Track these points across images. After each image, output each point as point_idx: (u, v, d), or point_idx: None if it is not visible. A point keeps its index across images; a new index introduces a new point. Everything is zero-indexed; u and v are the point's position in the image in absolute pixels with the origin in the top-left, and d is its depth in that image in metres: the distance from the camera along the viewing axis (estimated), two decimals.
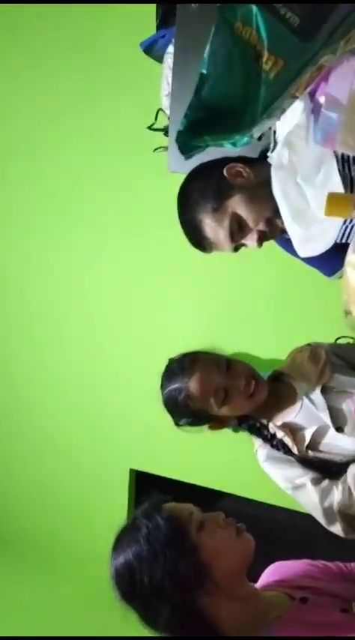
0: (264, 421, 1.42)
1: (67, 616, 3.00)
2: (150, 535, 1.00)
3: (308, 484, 1.34)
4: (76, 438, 3.14)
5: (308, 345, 1.53)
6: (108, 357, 2.96)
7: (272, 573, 1.18)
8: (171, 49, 1.78)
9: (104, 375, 3.00)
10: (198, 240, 1.38)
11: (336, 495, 1.30)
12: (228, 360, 1.41)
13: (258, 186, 1.28)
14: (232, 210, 1.31)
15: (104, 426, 3.03)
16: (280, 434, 1.38)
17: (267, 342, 2.54)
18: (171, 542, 0.98)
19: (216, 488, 2.59)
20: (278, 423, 1.40)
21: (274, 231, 1.33)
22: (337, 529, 1.32)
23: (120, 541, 1.05)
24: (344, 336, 1.54)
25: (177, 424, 1.45)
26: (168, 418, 1.54)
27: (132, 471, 2.98)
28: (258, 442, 1.45)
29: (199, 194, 1.33)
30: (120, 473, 2.99)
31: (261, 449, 1.43)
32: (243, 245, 1.38)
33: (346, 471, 1.32)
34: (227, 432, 1.62)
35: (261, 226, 1.32)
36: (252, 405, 1.37)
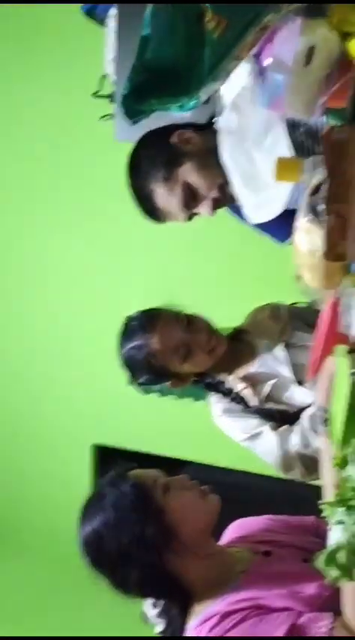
0: (222, 377, 1.44)
1: (35, 596, 3.00)
2: (115, 502, 1.02)
3: (265, 431, 1.36)
4: (34, 415, 3.11)
5: (268, 304, 1.55)
6: (64, 332, 2.93)
7: (234, 530, 1.21)
8: (113, 11, 1.72)
9: (58, 350, 2.96)
10: (151, 210, 1.35)
11: (293, 438, 1.33)
12: (188, 316, 1.41)
13: (208, 152, 1.26)
14: (184, 178, 1.28)
15: (62, 402, 3.01)
16: (240, 386, 1.39)
17: (222, 311, 2.57)
18: (136, 507, 1.01)
19: (179, 456, 2.62)
20: (239, 376, 1.42)
21: (227, 198, 1.31)
22: (295, 474, 1.35)
23: (87, 510, 1.06)
24: (297, 302, 1.56)
25: (135, 383, 1.44)
26: (126, 389, 1.54)
27: (93, 446, 2.98)
28: (214, 398, 1.46)
29: (149, 163, 1.30)
30: (82, 449, 2.98)
31: (216, 404, 1.44)
32: (197, 214, 1.36)
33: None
34: (187, 401, 1.63)
35: (214, 193, 1.30)
36: (211, 360, 1.38)
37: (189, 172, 1.28)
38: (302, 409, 1.35)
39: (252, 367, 1.41)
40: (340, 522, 0.81)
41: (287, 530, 1.18)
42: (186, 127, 1.30)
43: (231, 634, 0.93)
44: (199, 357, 1.36)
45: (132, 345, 1.39)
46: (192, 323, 1.39)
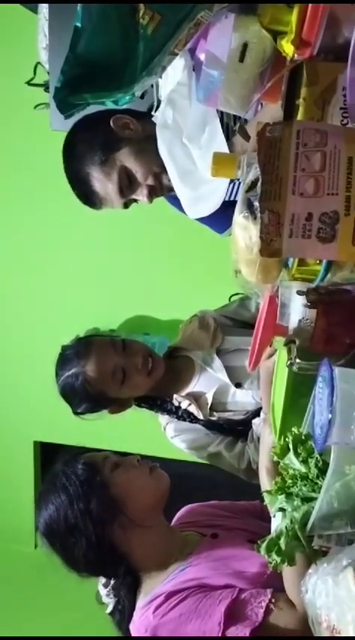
0: (166, 397, 1.46)
1: None
2: (66, 481, 1.06)
3: (222, 452, 1.41)
4: None
5: (195, 315, 1.58)
6: (5, 325, 2.85)
7: (183, 516, 1.25)
8: None
9: (1, 344, 2.88)
10: (87, 194, 1.33)
11: (251, 454, 1.37)
12: (124, 340, 1.42)
13: (146, 140, 1.25)
14: (121, 163, 1.27)
15: (3, 397, 2.93)
16: (185, 403, 1.42)
17: (166, 303, 2.57)
18: (83, 481, 1.05)
19: (124, 450, 2.62)
20: (182, 394, 1.44)
21: (164, 187, 1.31)
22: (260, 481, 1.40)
23: (42, 493, 1.11)
24: (237, 294, 1.59)
25: (76, 413, 1.45)
26: None
27: (36, 443, 2.93)
28: (163, 419, 1.48)
29: (86, 146, 1.27)
30: (24, 446, 2.92)
31: (169, 425, 1.46)
32: (134, 201, 1.35)
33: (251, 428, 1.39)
34: None
35: (150, 181, 1.29)
36: (150, 383, 1.40)
37: (126, 157, 1.27)
38: (246, 419, 1.39)
39: (192, 383, 1.44)
40: (281, 509, 0.84)
41: (233, 514, 1.23)
42: (124, 113, 1.29)
43: (175, 611, 0.97)
44: (137, 380, 1.38)
45: (68, 373, 1.39)
46: (127, 347, 1.40)
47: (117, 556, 1.06)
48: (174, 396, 1.45)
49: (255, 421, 1.34)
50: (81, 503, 1.04)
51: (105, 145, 1.26)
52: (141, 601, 1.05)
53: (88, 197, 1.33)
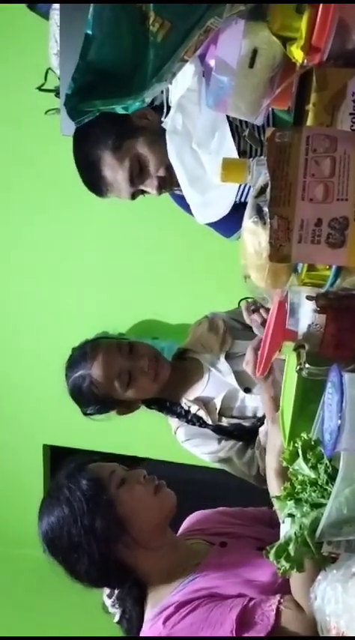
0: (176, 400, 1.46)
1: None
2: (70, 495, 1.04)
3: (233, 458, 1.41)
4: None
5: (206, 317, 1.57)
6: (15, 329, 2.87)
7: (190, 523, 1.24)
8: (57, 4, 1.69)
9: (9, 349, 2.90)
10: (94, 179, 1.30)
11: (259, 461, 1.37)
12: (130, 343, 1.43)
13: (161, 132, 1.23)
14: (134, 150, 1.25)
15: (12, 401, 2.95)
16: (194, 408, 1.42)
17: (175, 307, 2.58)
18: (88, 499, 1.03)
19: (134, 454, 2.62)
20: (191, 398, 1.44)
21: (173, 181, 1.29)
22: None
23: (45, 502, 1.09)
24: (246, 298, 1.59)
25: (84, 414, 1.45)
26: None
27: (45, 446, 2.93)
28: (174, 423, 1.48)
29: (100, 130, 1.23)
30: (33, 450, 2.93)
31: (179, 429, 1.46)
32: (141, 193, 1.33)
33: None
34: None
35: (162, 172, 1.28)
36: (156, 386, 1.40)
37: (140, 146, 1.25)
38: (255, 426, 1.38)
39: (201, 386, 1.44)
40: (290, 515, 0.83)
41: (242, 521, 1.22)
42: None
43: (186, 621, 0.96)
44: (142, 383, 1.38)
45: (75, 375, 1.40)
46: (134, 349, 1.40)
47: (121, 573, 1.05)
48: (184, 400, 1.44)
49: (261, 429, 1.34)
50: (85, 521, 1.02)
51: (121, 132, 1.24)
52: (149, 612, 1.04)
53: (95, 182, 1.30)
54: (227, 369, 1.42)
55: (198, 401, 1.42)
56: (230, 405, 1.41)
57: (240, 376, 1.40)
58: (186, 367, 1.48)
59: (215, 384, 1.43)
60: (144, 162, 1.26)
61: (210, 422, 1.40)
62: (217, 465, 1.46)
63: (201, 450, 1.44)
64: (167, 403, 1.45)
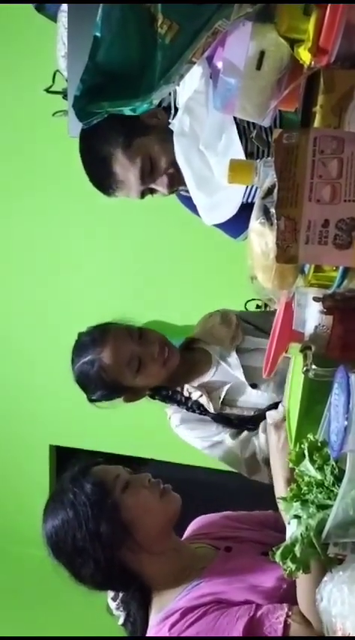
0: (179, 388, 1.45)
1: None
2: (75, 499, 1.04)
3: (226, 439, 1.38)
4: None
5: (217, 310, 1.57)
6: (20, 330, 2.88)
7: (195, 527, 1.23)
8: (65, 6, 1.70)
9: (15, 350, 2.91)
10: (103, 177, 1.29)
11: (259, 444, 1.35)
12: (140, 329, 1.41)
13: (170, 131, 1.23)
14: (146, 148, 1.25)
15: (19, 402, 2.96)
16: (196, 395, 1.41)
17: (181, 308, 2.58)
18: (93, 503, 1.02)
19: (139, 455, 2.63)
20: (195, 385, 1.43)
21: (181, 180, 1.29)
22: (261, 476, 1.37)
23: (49, 506, 1.08)
24: (252, 299, 1.59)
25: (90, 400, 1.44)
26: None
27: (51, 447, 2.94)
28: (170, 409, 1.47)
29: (109, 128, 1.20)
30: (39, 450, 2.94)
31: (174, 414, 1.45)
32: (150, 192, 1.33)
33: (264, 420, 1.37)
34: (144, 400, 1.62)
35: (172, 170, 1.27)
36: (165, 373, 1.39)
37: (151, 144, 1.25)
38: (259, 414, 1.37)
39: (207, 376, 1.43)
40: (296, 517, 0.83)
41: (247, 526, 1.21)
42: None
43: (191, 629, 0.95)
44: (152, 370, 1.37)
45: (84, 360, 1.38)
46: (143, 335, 1.39)
47: (125, 577, 1.05)
48: (186, 386, 1.42)
49: (271, 412, 1.33)
50: (90, 525, 1.02)
51: (132, 129, 1.23)
52: (154, 617, 1.03)
53: (105, 179, 1.29)
54: (236, 363, 1.41)
55: (202, 387, 1.41)
56: (234, 397, 1.40)
57: (248, 371, 1.39)
58: (194, 357, 1.46)
59: (222, 375, 1.42)
60: (155, 160, 1.26)
61: (211, 409, 1.39)
62: (206, 452, 1.43)
63: (195, 434, 1.41)
64: (169, 391, 1.44)
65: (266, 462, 1.33)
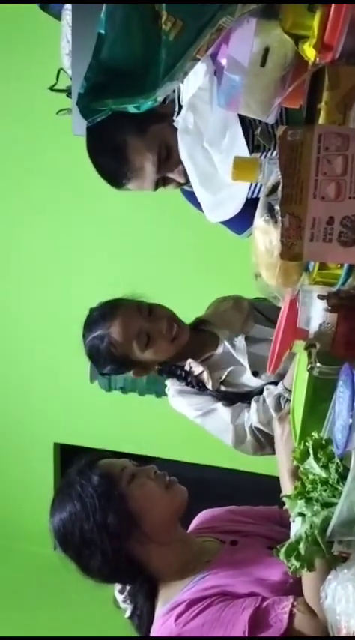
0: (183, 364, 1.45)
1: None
2: (82, 490, 1.05)
3: (219, 407, 1.40)
4: None
5: (230, 296, 1.58)
6: (26, 327, 2.89)
7: (201, 521, 1.24)
8: (69, 5, 1.70)
9: (19, 348, 2.92)
10: (117, 166, 1.27)
11: (249, 414, 1.36)
12: (150, 305, 1.43)
13: None
14: (162, 135, 1.25)
15: (23, 400, 2.97)
16: (198, 370, 1.42)
17: (185, 305, 2.58)
18: (100, 495, 1.04)
19: (143, 453, 2.63)
20: (199, 360, 1.44)
21: None
22: (246, 447, 1.38)
23: (56, 498, 1.10)
24: (257, 297, 1.59)
25: (101, 374, 1.45)
26: (88, 387, 1.54)
27: (56, 445, 2.95)
28: (170, 381, 1.48)
29: (122, 116, 1.21)
30: (44, 448, 2.95)
31: (172, 386, 1.46)
32: (163, 182, 1.32)
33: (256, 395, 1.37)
34: (150, 397, 1.64)
35: None
36: (174, 349, 1.40)
37: (167, 131, 1.25)
38: (257, 389, 1.38)
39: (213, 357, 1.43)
40: (300, 514, 0.83)
41: (253, 520, 1.22)
42: None
43: (197, 619, 0.96)
44: (160, 345, 1.38)
45: (94, 335, 1.40)
46: (153, 311, 1.40)
47: (133, 569, 1.06)
48: (189, 360, 1.43)
49: (270, 386, 1.33)
50: (97, 517, 1.03)
51: (146, 117, 1.17)
52: (160, 609, 1.04)
53: (117, 170, 1.27)
54: (243, 348, 1.41)
55: (204, 363, 1.42)
56: (234, 380, 1.41)
57: (253, 358, 1.40)
58: (202, 338, 1.47)
59: (226, 358, 1.43)
60: (172, 148, 1.25)
61: (210, 386, 1.40)
62: (198, 421, 1.43)
63: (189, 402, 1.42)
64: (173, 367, 1.44)
65: (254, 432, 1.35)
